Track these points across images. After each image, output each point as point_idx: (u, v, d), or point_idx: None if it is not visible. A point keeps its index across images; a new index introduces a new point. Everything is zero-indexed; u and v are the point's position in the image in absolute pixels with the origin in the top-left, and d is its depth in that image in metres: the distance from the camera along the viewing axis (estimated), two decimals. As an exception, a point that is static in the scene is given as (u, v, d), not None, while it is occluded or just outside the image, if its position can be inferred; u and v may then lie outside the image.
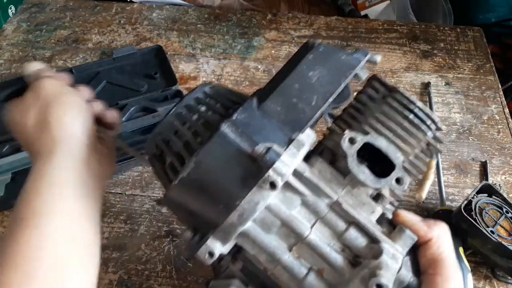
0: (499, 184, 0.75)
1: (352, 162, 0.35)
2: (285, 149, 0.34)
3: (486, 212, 0.64)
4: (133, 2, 1.07)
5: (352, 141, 0.36)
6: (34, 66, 0.48)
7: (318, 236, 0.35)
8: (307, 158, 0.37)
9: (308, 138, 0.36)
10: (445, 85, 0.92)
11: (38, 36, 0.97)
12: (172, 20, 1.02)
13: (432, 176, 0.40)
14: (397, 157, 0.36)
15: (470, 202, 0.64)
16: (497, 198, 0.66)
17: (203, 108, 0.39)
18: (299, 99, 0.37)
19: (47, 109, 0.42)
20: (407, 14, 1.16)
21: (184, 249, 0.65)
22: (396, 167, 0.35)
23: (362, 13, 1.36)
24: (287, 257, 0.35)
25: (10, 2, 1.01)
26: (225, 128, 0.34)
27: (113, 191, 0.72)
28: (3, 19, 1.00)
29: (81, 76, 0.85)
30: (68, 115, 0.43)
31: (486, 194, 0.66)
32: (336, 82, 0.37)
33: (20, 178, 0.69)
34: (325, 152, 0.38)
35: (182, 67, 0.92)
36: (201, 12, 1.05)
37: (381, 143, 0.36)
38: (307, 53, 0.38)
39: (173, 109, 0.40)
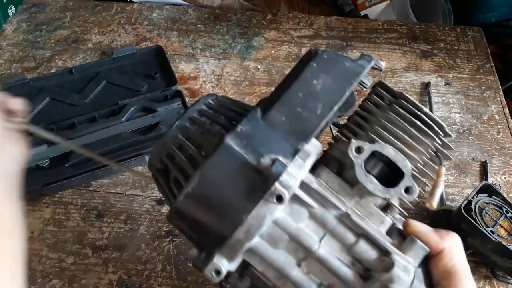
0: (499, 184, 0.75)
1: (360, 172, 0.35)
2: (291, 161, 0.33)
3: (486, 212, 0.64)
4: (133, 2, 1.07)
5: (359, 150, 0.35)
6: None
7: (327, 250, 0.34)
8: (313, 169, 0.36)
9: (314, 148, 0.35)
10: (445, 85, 0.92)
11: (38, 36, 0.97)
12: (172, 20, 1.02)
13: (442, 184, 0.39)
14: (406, 166, 0.35)
15: (470, 202, 0.64)
16: (497, 198, 0.66)
17: (206, 121, 0.38)
18: (304, 108, 0.36)
19: None
20: (407, 14, 1.16)
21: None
22: (405, 176, 0.35)
23: (362, 13, 1.36)
24: (296, 273, 0.34)
25: (10, 2, 1.00)
26: (229, 140, 0.34)
27: (113, 191, 0.72)
28: (3, 19, 1.00)
29: (81, 76, 0.85)
30: None
31: (486, 194, 0.66)
32: (341, 90, 0.36)
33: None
34: (332, 162, 0.38)
35: (182, 67, 0.92)
36: (201, 12, 1.05)
37: (389, 151, 0.35)
38: (310, 61, 0.37)
39: (177, 122, 0.39)
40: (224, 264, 0.34)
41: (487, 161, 0.78)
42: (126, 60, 0.89)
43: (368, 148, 0.35)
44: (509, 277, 0.64)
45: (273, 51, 0.96)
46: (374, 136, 0.37)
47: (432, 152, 0.39)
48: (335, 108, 0.36)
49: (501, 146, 0.81)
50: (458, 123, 0.85)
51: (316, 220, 0.35)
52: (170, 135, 0.38)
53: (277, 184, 0.32)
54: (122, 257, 0.65)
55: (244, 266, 0.36)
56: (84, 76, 0.86)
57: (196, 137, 0.37)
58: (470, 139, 0.82)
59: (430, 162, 0.38)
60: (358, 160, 0.35)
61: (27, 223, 0.66)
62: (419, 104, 0.38)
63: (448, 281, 0.35)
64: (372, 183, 0.34)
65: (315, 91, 0.36)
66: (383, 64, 0.39)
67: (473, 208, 0.64)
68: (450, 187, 0.74)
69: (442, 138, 0.39)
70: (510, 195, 0.74)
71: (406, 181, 0.34)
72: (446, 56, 0.97)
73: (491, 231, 0.62)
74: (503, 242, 0.60)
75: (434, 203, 0.38)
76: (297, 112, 0.36)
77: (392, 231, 0.36)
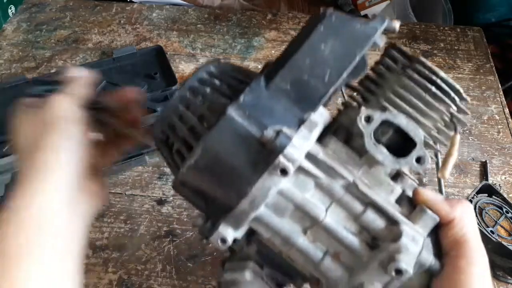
0: (499, 184, 0.75)
1: (369, 142, 0.33)
2: (296, 131, 0.32)
3: (486, 212, 0.64)
4: (133, 2, 1.07)
5: (368, 119, 0.33)
6: (71, 72, 0.43)
7: (334, 218, 0.34)
8: (321, 138, 0.35)
9: (321, 117, 0.34)
10: (445, 85, 0.92)
11: (38, 36, 0.97)
12: (172, 20, 1.02)
13: (456, 153, 0.37)
14: (418, 135, 0.33)
15: (470, 202, 0.64)
16: (497, 198, 0.66)
17: (208, 90, 0.36)
18: (311, 75, 0.34)
19: (41, 134, 0.38)
20: (407, 14, 1.16)
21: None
22: (416, 145, 0.33)
23: (362, 13, 1.36)
24: (302, 241, 0.34)
25: (10, 2, 1.01)
26: (232, 111, 0.32)
27: (113, 191, 0.72)
28: (3, 19, 1.00)
29: (81, 76, 0.85)
30: (58, 147, 0.37)
31: (486, 194, 0.67)
32: (351, 55, 0.34)
33: (20, 178, 0.69)
34: (340, 130, 0.36)
35: (182, 67, 0.92)
36: (201, 12, 1.05)
37: (401, 120, 0.33)
38: (318, 24, 0.34)
39: (177, 92, 0.37)
40: (230, 233, 0.34)
41: (487, 161, 0.78)
42: (126, 60, 0.89)
43: (378, 117, 0.33)
44: (509, 277, 0.64)
45: (273, 51, 0.96)
46: (386, 103, 0.35)
47: (447, 118, 0.37)
48: (344, 74, 0.34)
49: (501, 146, 0.81)
50: (458, 123, 0.85)
51: (323, 189, 0.34)
52: (171, 106, 0.37)
53: (281, 158, 0.31)
54: (122, 257, 0.65)
55: (251, 233, 0.35)
56: (84, 76, 0.86)
57: (197, 107, 0.35)
58: (470, 139, 0.82)
59: (445, 129, 0.37)
60: (367, 130, 0.33)
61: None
62: (435, 69, 0.36)
63: (458, 251, 0.33)
64: (381, 154, 0.33)
65: (323, 57, 0.34)
66: (397, 25, 0.36)
67: (473, 208, 0.64)
68: (450, 187, 0.74)
69: (459, 104, 0.37)
70: (510, 195, 0.74)
71: (418, 151, 0.33)
72: (446, 56, 0.97)
73: (491, 231, 0.62)
74: (503, 242, 0.61)
75: (447, 173, 0.36)
76: (303, 79, 0.34)
77: (402, 200, 0.35)
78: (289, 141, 0.32)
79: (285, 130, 0.32)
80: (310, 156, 0.33)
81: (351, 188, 0.34)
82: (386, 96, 0.36)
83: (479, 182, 0.75)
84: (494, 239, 0.60)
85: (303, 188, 0.34)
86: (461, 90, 0.36)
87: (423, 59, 0.36)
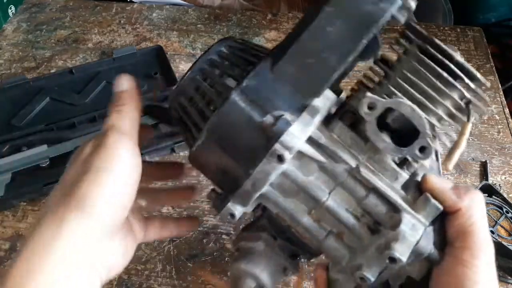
0: (499, 184, 0.75)
1: (371, 130, 0.32)
2: (298, 117, 0.33)
3: (486, 212, 0.64)
4: (133, 2, 1.07)
5: (371, 106, 0.32)
6: (122, 86, 0.39)
7: (337, 201, 0.34)
8: (328, 121, 0.34)
9: (326, 101, 0.34)
10: (445, 85, 0.92)
11: (38, 36, 0.97)
12: (172, 20, 1.02)
13: (464, 144, 0.35)
14: (422, 124, 0.32)
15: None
16: (497, 198, 0.66)
17: (217, 72, 0.37)
18: (316, 60, 0.33)
19: (83, 174, 0.34)
20: (407, 14, 1.16)
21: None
22: (420, 135, 0.32)
23: (362, 13, 1.36)
24: (306, 220, 0.35)
25: (10, 2, 1.00)
26: (235, 96, 0.33)
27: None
28: (3, 19, 1.00)
29: (81, 76, 0.85)
30: (99, 194, 0.33)
31: (486, 194, 0.67)
32: (357, 38, 0.32)
33: (20, 178, 0.69)
34: (347, 114, 0.36)
35: (182, 67, 0.92)
36: (201, 12, 1.05)
37: (405, 108, 0.32)
38: (325, 5, 0.33)
39: (188, 73, 0.38)
40: (238, 209, 0.35)
41: (487, 161, 0.78)
42: (126, 60, 0.89)
43: (381, 104, 0.32)
44: (509, 277, 0.64)
45: (273, 51, 0.96)
46: (393, 89, 0.34)
47: (461, 104, 0.34)
48: (350, 58, 0.33)
49: (501, 146, 0.81)
50: (458, 123, 0.85)
51: (327, 172, 0.34)
52: (182, 86, 0.38)
53: (277, 145, 0.32)
54: (122, 257, 0.65)
55: (262, 207, 0.37)
56: (84, 76, 0.85)
57: (206, 90, 0.36)
58: (470, 139, 0.82)
59: (459, 115, 0.35)
60: (370, 117, 0.32)
61: (27, 223, 0.66)
62: (450, 52, 0.34)
63: (463, 242, 0.32)
64: (383, 142, 0.32)
65: (328, 40, 0.33)
66: (412, 4, 0.33)
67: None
68: (450, 187, 0.74)
69: (475, 89, 0.35)
70: (510, 195, 0.74)
71: (421, 141, 0.32)
72: (446, 56, 0.97)
73: (491, 231, 0.62)
74: (503, 242, 0.61)
75: (450, 165, 0.34)
76: (308, 63, 0.33)
77: (409, 186, 0.35)
78: (288, 126, 0.32)
79: (287, 115, 0.32)
80: (312, 141, 0.33)
81: (354, 172, 0.34)
82: (396, 81, 0.35)
83: (479, 182, 0.75)
84: (494, 239, 0.60)
85: (306, 171, 0.34)
86: (478, 75, 0.34)
87: (437, 41, 0.34)
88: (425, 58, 0.34)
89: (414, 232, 0.32)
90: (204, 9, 1.07)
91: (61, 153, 0.72)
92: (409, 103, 0.32)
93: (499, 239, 0.61)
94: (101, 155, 0.34)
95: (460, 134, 0.35)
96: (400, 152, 0.33)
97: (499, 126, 0.85)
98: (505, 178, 0.77)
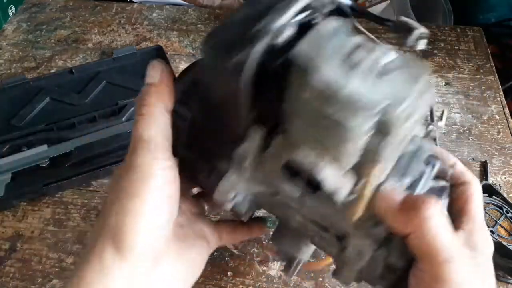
0: (499, 184, 0.75)
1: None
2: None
3: (486, 212, 0.64)
4: (133, 2, 1.07)
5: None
6: (152, 77, 0.37)
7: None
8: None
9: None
10: (445, 85, 0.92)
11: (38, 36, 0.97)
12: (172, 20, 1.02)
13: (368, 194, 0.30)
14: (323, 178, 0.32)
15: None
16: (497, 198, 0.66)
17: None
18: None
19: (115, 200, 0.32)
20: (407, 14, 1.16)
21: None
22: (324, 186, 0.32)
23: (362, 13, 1.36)
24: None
25: (10, 2, 1.01)
26: None
27: (113, 191, 0.72)
28: (3, 19, 1.00)
29: (81, 76, 0.85)
30: (135, 225, 0.31)
31: (486, 194, 0.67)
32: None
33: (20, 178, 0.69)
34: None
35: (182, 67, 0.92)
36: (201, 12, 1.05)
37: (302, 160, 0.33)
38: None
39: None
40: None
41: (487, 161, 0.78)
42: (126, 60, 0.89)
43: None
44: (509, 277, 0.64)
45: (273, 51, 0.96)
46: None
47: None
48: None
49: (501, 146, 0.81)
50: (458, 123, 0.85)
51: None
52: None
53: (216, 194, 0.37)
54: (122, 257, 0.64)
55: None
56: (84, 76, 0.85)
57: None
58: (470, 139, 0.82)
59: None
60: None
61: (27, 223, 0.66)
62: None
63: (423, 264, 0.30)
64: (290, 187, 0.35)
65: None
66: None
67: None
68: (450, 187, 0.74)
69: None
70: (510, 195, 0.74)
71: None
72: (446, 56, 0.97)
73: (491, 231, 0.62)
74: (503, 242, 0.61)
75: (355, 215, 0.30)
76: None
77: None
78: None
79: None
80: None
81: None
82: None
83: (479, 182, 0.75)
84: (494, 239, 0.60)
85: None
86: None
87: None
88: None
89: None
90: (204, 9, 1.07)
91: (61, 153, 0.72)
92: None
93: (499, 239, 0.61)
94: (132, 180, 0.32)
95: (365, 175, 0.30)
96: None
97: (499, 126, 0.85)
98: (505, 178, 0.77)
